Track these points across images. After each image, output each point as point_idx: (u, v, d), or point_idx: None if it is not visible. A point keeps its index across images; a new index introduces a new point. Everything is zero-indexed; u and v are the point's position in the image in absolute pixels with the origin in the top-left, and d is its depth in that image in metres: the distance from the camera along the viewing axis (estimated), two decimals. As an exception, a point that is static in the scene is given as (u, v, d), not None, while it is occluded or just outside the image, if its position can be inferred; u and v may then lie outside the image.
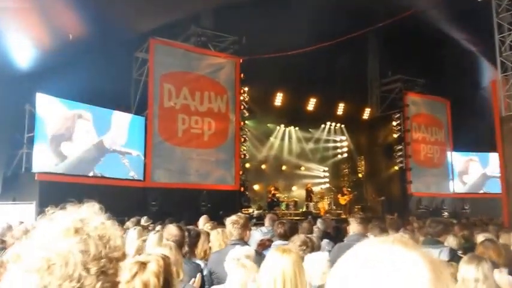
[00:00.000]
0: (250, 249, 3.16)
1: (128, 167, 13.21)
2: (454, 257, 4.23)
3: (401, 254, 0.69)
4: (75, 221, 0.97)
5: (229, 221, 3.82)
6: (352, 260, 0.72)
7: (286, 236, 4.31)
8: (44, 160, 11.25)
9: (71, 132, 11.97)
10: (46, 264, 0.89)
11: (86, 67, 11.12)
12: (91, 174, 12.34)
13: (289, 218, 14.76)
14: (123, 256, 0.99)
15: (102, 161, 12.63)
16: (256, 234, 5.28)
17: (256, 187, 18.20)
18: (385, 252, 0.70)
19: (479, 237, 5.18)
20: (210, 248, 4.24)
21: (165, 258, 2.08)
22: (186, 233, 3.88)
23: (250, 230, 4.11)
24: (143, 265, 1.95)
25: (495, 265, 3.00)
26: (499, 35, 12.16)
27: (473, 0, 12.11)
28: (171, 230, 3.60)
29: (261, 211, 15.25)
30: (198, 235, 4.19)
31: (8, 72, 10.36)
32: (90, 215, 1.01)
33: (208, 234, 4.45)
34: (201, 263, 3.84)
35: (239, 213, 4.01)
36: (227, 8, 14.64)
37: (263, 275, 2.33)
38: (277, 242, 4.26)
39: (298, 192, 19.13)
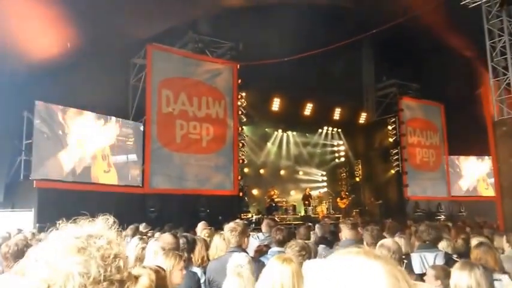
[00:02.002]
0: (248, 256, 3.17)
1: (133, 176, 13.29)
2: (449, 261, 4.27)
3: (361, 265, 0.76)
4: (80, 238, 0.97)
5: (227, 228, 3.78)
6: (319, 272, 0.78)
7: (284, 243, 4.25)
8: (42, 167, 11.24)
9: (73, 139, 11.96)
10: (46, 285, 0.90)
11: (84, 74, 11.19)
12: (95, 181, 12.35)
13: (287, 222, 14.86)
14: (129, 277, 0.99)
15: (107, 169, 12.65)
16: (254, 241, 5.28)
17: (255, 192, 18.27)
18: (348, 263, 0.76)
19: (474, 241, 5.22)
20: (207, 254, 4.23)
21: (159, 272, 2.07)
22: (184, 240, 3.89)
23: (248, 236, 4.04)
24: (135, 279, 1.92)
25: (489, 271, 3.01)
26: (490, 41, 12.29)
27: (465, 6, 12.26)
28: (166, 238, 3.58)
29: (260, 216, 15.30)
30: (194, 241, 4.19)
31: (6, 80, 10.40)
32: (101, 231, 1.01)
33: (205, 241, 4.46)
34: (199, 270, 3.85)
35: (237, 220, 3.92)
36: (224, 14, 14.74)
37: (262, 284, 2.31)
38: (275, 249, 4.23)
39: (296, 196, 19.22)
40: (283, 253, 3.61)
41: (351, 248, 0.85)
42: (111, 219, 1.07)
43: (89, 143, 12.39)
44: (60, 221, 1.06)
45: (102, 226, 1.03)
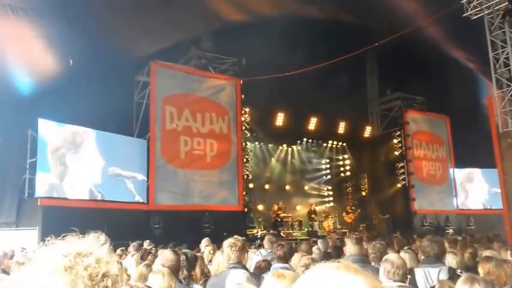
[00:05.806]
0: (246, 273, 3.12)
1: (133, 192, 13.24)
2: (454, 276, 4.18)
3: (343, 279, 0.75)
4: (68, 257, 0.95)
5: (226, 244, 3.71)
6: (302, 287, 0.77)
7: (285, 259, 4.21)
8: (47, 185, 11.24)
9: (75, 156, 11.97)
10: None
11: (88, 91, 11.26)
12: (96, 198, 12.32)
13: (293, 238, 14.74)
14: None
15: (107, 186, 12.61)
16: (256, 258, 5.20)
17: (260, 207, 18.15)
18: (329, 278, 0.75)
19: (482, 255, 5.11)
20: (209, 271, 4.18)
21: None
22: (184, 257, 3.85)
23: (247, 252, 4.02)
24: None
25: (490, 284, 2.96)
26: (493, 53, 12.27)
27: (467, 18, 12.28)
28: (166, 254, 3.55)
29: (265, 232, 15.17)
30: (195, 258, 4.15)
31: (10, 98, 10.50)
32: (90, 248, 0.99)
33: (202, 259, 4.39)
34: (200, 288, 3.81)
35: (236, 236, 3.87)
36: (226, 30, 14.90)
37: None
38: (277, 265, 4.17)
39: (302, 211, 19.06)
40: (285, 269, 3.55)
41: (331, 263, 0.83)
42: (103, 236, 1.04)
43: (96, 161, 12.38)
44: (49, 238, 1.03)
45: (92, 243, 1.01)
